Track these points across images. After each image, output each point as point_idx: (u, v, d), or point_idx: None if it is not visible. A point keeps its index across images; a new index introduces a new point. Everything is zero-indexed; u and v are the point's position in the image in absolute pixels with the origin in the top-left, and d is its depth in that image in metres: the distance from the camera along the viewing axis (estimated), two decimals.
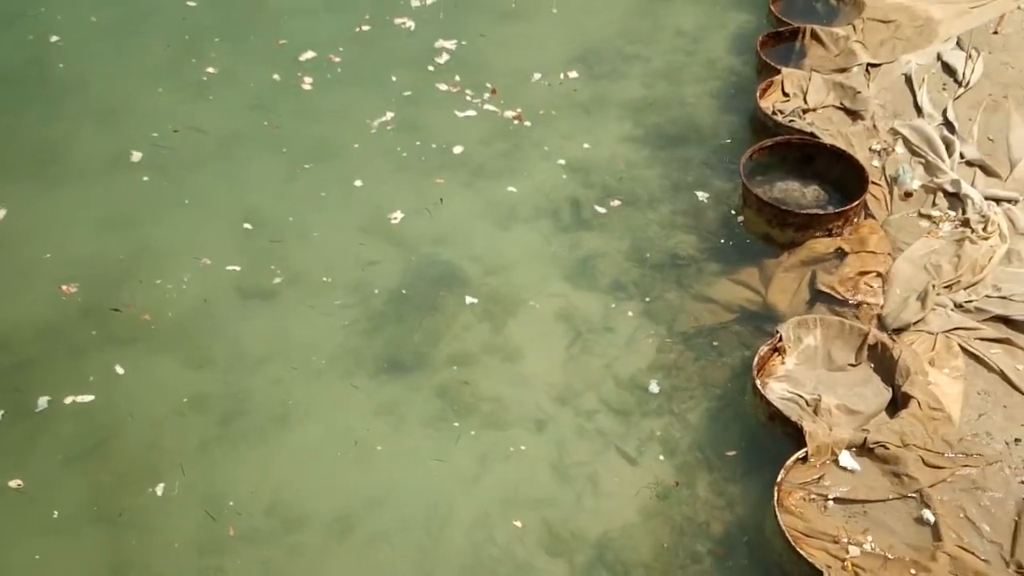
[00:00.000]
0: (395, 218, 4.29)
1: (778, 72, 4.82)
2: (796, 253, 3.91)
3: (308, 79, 5.10)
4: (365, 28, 5.52)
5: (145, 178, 4.47)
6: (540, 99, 5.07)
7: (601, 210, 4.35)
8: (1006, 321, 3.45)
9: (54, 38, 5.30)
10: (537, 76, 5.25)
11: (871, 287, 3.67)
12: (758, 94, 4.69)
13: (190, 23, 5.48)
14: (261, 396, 3.51)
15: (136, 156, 4.58)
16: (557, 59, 5.37)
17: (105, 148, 4.64)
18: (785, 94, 4.76)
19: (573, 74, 5.28)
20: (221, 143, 4.69)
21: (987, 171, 4.13)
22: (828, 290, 3.66)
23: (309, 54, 5.28)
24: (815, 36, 5.11)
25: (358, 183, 4.47)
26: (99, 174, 4.51)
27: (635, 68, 5.34)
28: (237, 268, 4.03)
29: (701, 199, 4.39)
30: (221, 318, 3.82)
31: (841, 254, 3.83)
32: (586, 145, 4.76)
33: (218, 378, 3.58)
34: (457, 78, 5.18)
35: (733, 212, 4.27)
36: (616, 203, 4.39)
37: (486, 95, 5.06)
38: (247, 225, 4.23)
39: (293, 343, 3.72)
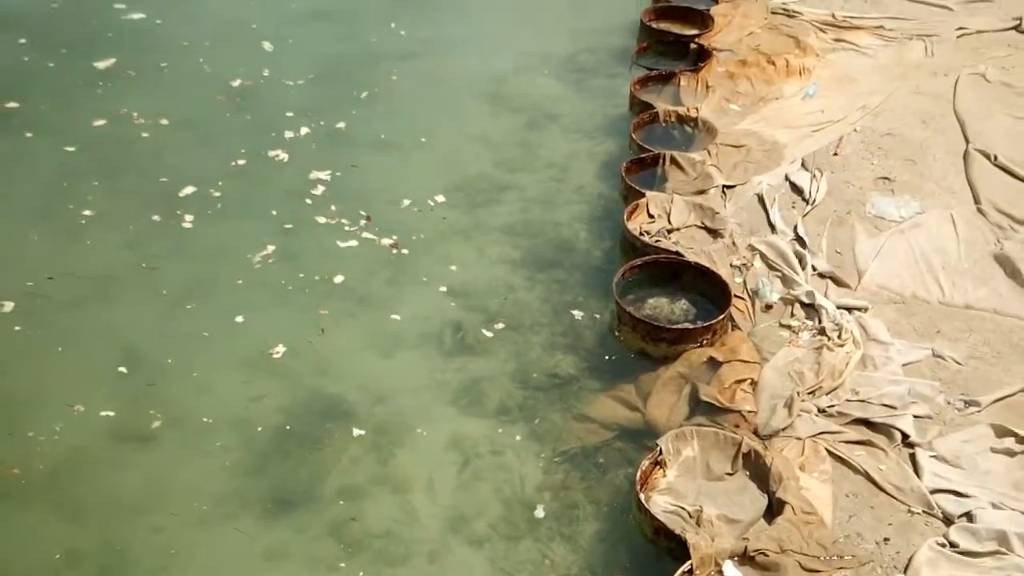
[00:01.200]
0: (277, 352, 4.25)
1: (642, 195, 5.07)
2: (672, 366, 4.07)
3: (188, 216, 5.08)
4: (241, 162, 5.56)
5: (16, 327, 4.31)
6: (417, 226, 5.18)
7: (484, 334, 4.43)
8: (866, 423, 3.64)
9: None
10: (410, 204, 5.36)
11: (747, 394, 3.84)
12: (626, 216, 4.92)
13: (67, 167, 5.41)
14: (140, 547, 3.36)
15: (8, 306, 4.42)
16: (432, 187, 5.51)
17: None
18: (651, 216, 5.00)
19: (449, 201, 5.42)
20: (98, 287, 4.59)
21: (837, 282, 4.43)
22: (711, 400, 3.79)
23: (188, 190, 5.28)
24: (674, 161, 5.42)
25: (240, 319, 4.43)
26: None
27: (510, 195, 5.53)
28: (112, 413, 3.90)
29: (579, 319, 4.53)
30: (96, 467, 3.67)
31: (715, 364, 4.00)
32: (466, 270, 4.87)
33: (94, 531, 3.42)
34: (333, 208, 5.25)
35: (610, 330, 4.42)
36: (498, 327, 4.48)
37: (362, 222, 5.14)
38: (123, 369, 4.12)
39: (173, 489, 3.59)
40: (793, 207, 4.97)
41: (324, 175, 5.51)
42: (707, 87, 6.26)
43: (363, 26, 7.28)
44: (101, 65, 6.32)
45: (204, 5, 7.25)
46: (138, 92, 6.13)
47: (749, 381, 3.87)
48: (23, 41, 6.53)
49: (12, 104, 5.89)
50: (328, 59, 6.75)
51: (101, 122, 5.80)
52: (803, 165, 5.31)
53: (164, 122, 5.86)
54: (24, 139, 5.63)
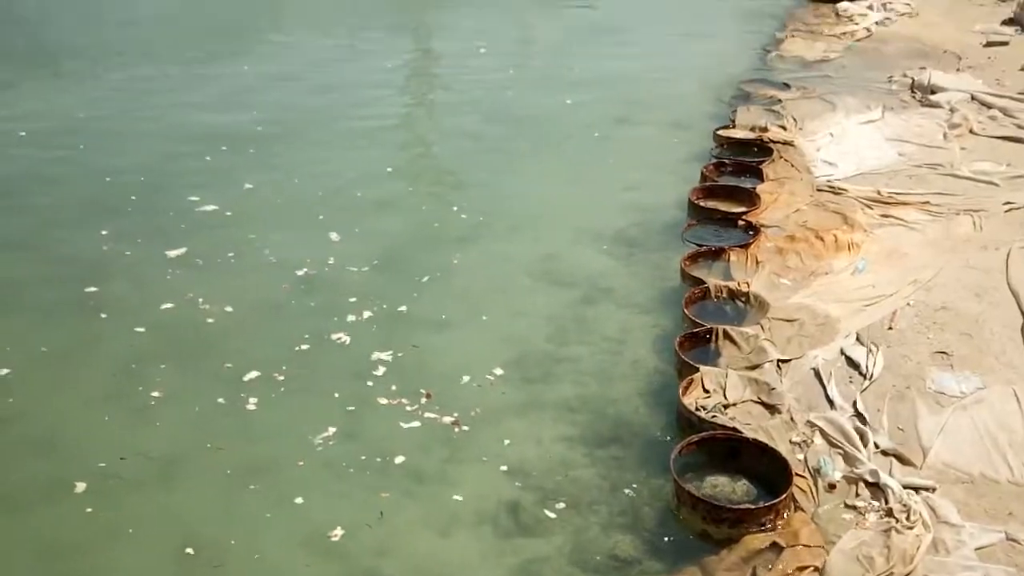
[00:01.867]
0: (336, 535, 4.26)
1: (697, 370, 5.12)
2: (734, 550, 3.98)
3: (252, 399, 5.22)
4: (304, 347, 5.74)
5: (88, 509, 4.41)
6: (476, 402, 5.24)
7: (542, 513, 4.40)
8: None
9: (3, 371, 5.40)
10: (469, 380, 5.44)
11: None
12: (681, 391, 4.95)
13: (137, 349, 5.64)
14: None
15: (80, 487, 4.54)
16: (490, 363, 5.60)
17: (44, 479, 4.60)
18: (706, 391, 5.03)
19: (507, 376, 5.50)
20: (165, 467, 4.69)
21: (902, 460, 4.35)
22: None
23: (253, 374, 5.44)
24: (727, 336, 5.48)
25: (299, 500, 4.47)
26: (35, 505, 4.44)
27: (566, 369, 5.60)
28: None
29: (638, 497, 4.48)
30: None
31: (777, 549, 3.91)
32: (523, 447, 4.88)
33: None
34: (394, 388, 5.35)
35: (669, 509, 4.36)
36: (557, 506, 4.45)
37: (423, 400, 5.23)
38: (189, 550, 4.15)
39: None
40: (850, 382, 4.96)
41: (386, 356, 5.65)
42: (757, 262, 6.39)
43: (427, 213, 7.64)
44: (173, 254, 6.69)
45: (274, 198, 7.68)
46: (206, 279, 6.44)
47: (812, 568, 3.76)
48: (104, 232, 6.97)
49: (91, 288, 6.22)
50: (392, 246, 7.06)
51: (170, 306, 6.08)
52: (858, 339, 5.33)
53: (229, 309, 6.11)
54: (100, 320, 5.92)
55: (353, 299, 6.25)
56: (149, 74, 10.45)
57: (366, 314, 6.09)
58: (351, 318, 6.04)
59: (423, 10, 14.30)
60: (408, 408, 5.18)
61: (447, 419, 5.09)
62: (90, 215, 7.20)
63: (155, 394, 5.24)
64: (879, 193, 7.14)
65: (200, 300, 6.15)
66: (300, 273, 6.56)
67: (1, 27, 12.02)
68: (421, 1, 14.97)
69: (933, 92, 9.17)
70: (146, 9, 12.90)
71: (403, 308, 6.20)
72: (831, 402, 4.82)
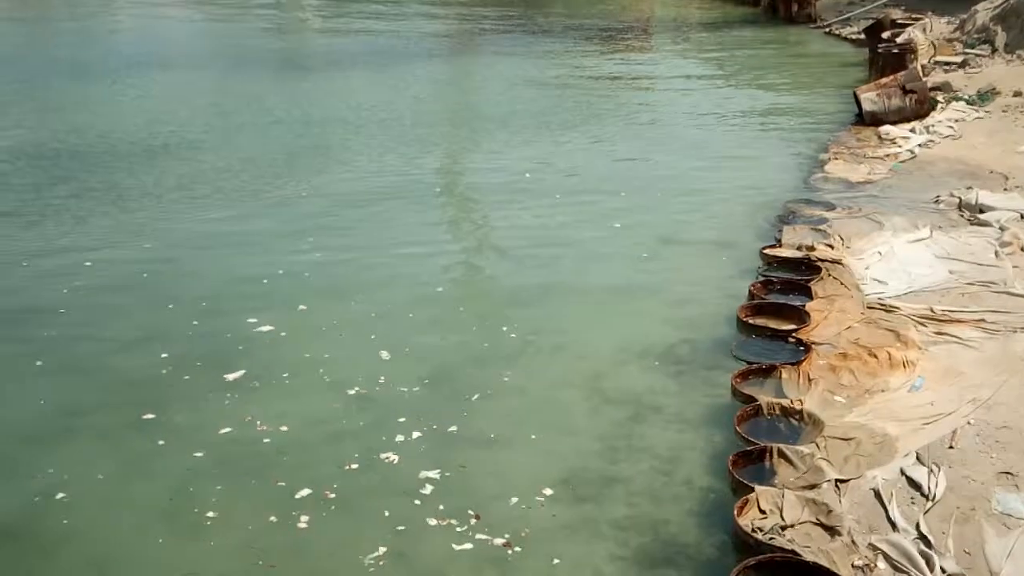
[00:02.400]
0: None
1: (752, 490, 5.02)
2: None
3: (304, 518, 5.22)
4: (355, 466, 5.77)
5: None
6: (526, 524, 5.18)
7: None
8: None
9: (60, 495, 5.49)
10: (518, 501, 5.41)
11: None
12: (736, 512, 4.85)
13: (194, 471, 5.71)
14: None
15: None
16: (540, 483, 5.57)
17: None
18: (762, 511, 4.91)
19: (557, 496, 5.45)
20: None
21: None
22: None
23: (304, 492, 5.47)
24: (782, 454, 5.39)
25: None
26: None
27: (617, 490, 5.54)
28: None
29: None
30: None
31: None
32: (576, 571, 4.79)
33: None
34: (442, 507, 5.33)
35: None
36: None
37: (472, 521, 5.18)
38: None
39: None
40: (912, 503, 4.82)
41: (434, 474, 5.65)
42: (809, 379, 6.33)
43: (476, 332, 7.73)
44: (231, 377, 6.82)
45: (328, 319, 7.82)
46: (262, 401, 6.54)
47: None
48: (164, 355, 7.13)
49: (149, 415, 6.34)
50: (442, 364, 7.13)
51: (227, 429, 6.17)
52: (918, 459, 5.20)
53: (284, 428, 6.18)
54: (157, 447, 6.01)
55: (402, 418, 6.29)
56: (212, 204, 10.90)
57: (415, 433, 6.12)
58: (400, 437, 6.07)
59: (470, 134, 14.81)
60: (458, 529, 5.14)
61: (498, 541, 5.04)
62: (151, 341, 7.39)
63: (210, 514, 5.28)
64: (932, 311, 7.07)
65: (257, 422, 6.23)
66: (352, 392, 6.64)
67: (76, 167, 12.67)
68: (467, 125, 15.51)
69: (981, 211, 9.17)
70: (210, 154, 13.54)
71: (452, 428, 6.21)
72: (893, 524, 4.68)
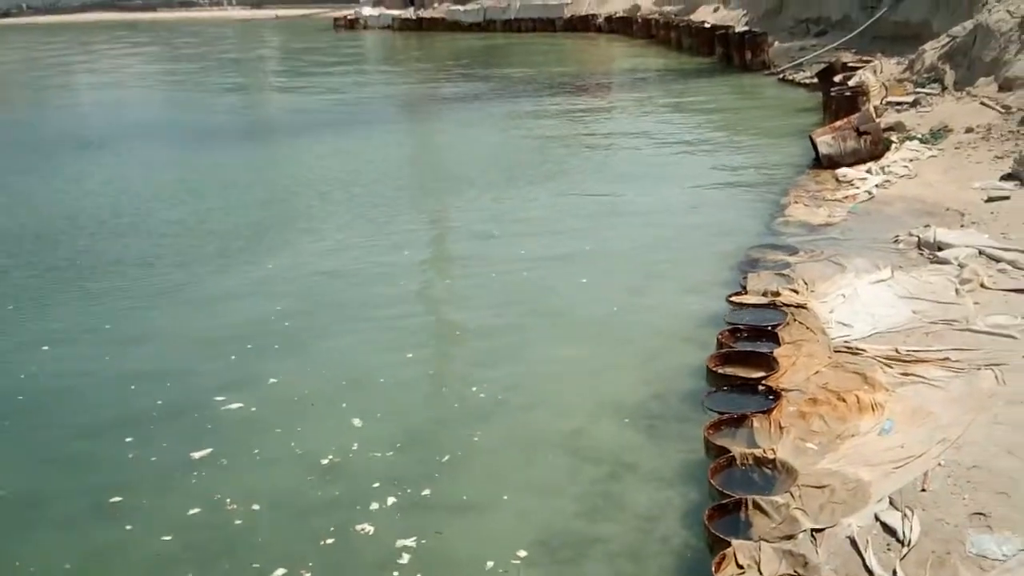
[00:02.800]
0: None
1: (728, 544, 4.98)
2: None
3: None
4: (330, 540, 5.68)
5: None
6: None
7: None
8: None
9: None
10: (494, 565, 5.35)
11: None
12: (714, 568, 4.80)
13: (163, 557, 5.60)
14: None
15: None
16: (515, 546, 5.52)
17: None
18: (739, 566, 4.87)
19: (532, 559, 5.39)
20: None
21: None
22: None
23: (279, 572, 5.38)
24: (757, 506, 5.36)
25: None
26: None
27: (596, 550, 5.51)
28: None
29: None
30: None
31: None
32: None
33: None
34: None
35: None
36: None
37: None
38: None
39: None
40: (888, 549, 4.80)
41: (410, 543, 5.58)
42: (780, 428, 6.33)
43: (446, 394, 7.72)
44: (198, 455, 6.71)
45: (299, 390, 7.76)
46: (232, 479, 6.44)
47: None
48: (129, 439, 7.01)
49: (116, 498, 6.22)
50: (413, 428, 7.09)
51: (196, 511, 6.05)
52: (891, 503, 5.20)
53: (256, 507, 6.08)
54: (124, 531, 5.89)
55: (376, 484, 6.22)
56: (179, 280, 10.82)
57: (390, 500, 6.05)
58: (375, 505, 6.00)
59: (437, 196, 14.90)
60: None
61: None
62: (115, 424, 7.27)
63: None
64: (897, 351, 7.13)
65: (227, 501, 6.14)
66: (325, 462, 6.57)
67: (38, 244, 12.56)
68: (434, 188, 15.60)
69: (940, 248, 9.31)
70: (167, 217, 13.52)
71: (427, 492, 6.16)
72: (870, 572, 4.66)
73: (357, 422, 7.14)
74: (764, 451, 6.00)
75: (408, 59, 37.25)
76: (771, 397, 6.75)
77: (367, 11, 58.09)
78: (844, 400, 6.51)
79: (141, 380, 7.99)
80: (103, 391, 7.93)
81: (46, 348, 8.86)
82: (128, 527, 5.93)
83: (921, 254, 9.46)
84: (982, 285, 8.30)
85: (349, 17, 58.39)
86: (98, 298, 10.20)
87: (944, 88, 16.96)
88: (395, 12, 56.36)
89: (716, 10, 33.33)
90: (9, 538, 5.88)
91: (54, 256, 11.87)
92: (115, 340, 9.01)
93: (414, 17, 53.57)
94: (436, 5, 54.68)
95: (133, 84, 35.92)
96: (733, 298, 8.78)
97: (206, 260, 11.49)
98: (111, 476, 6.53)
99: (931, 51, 18.42)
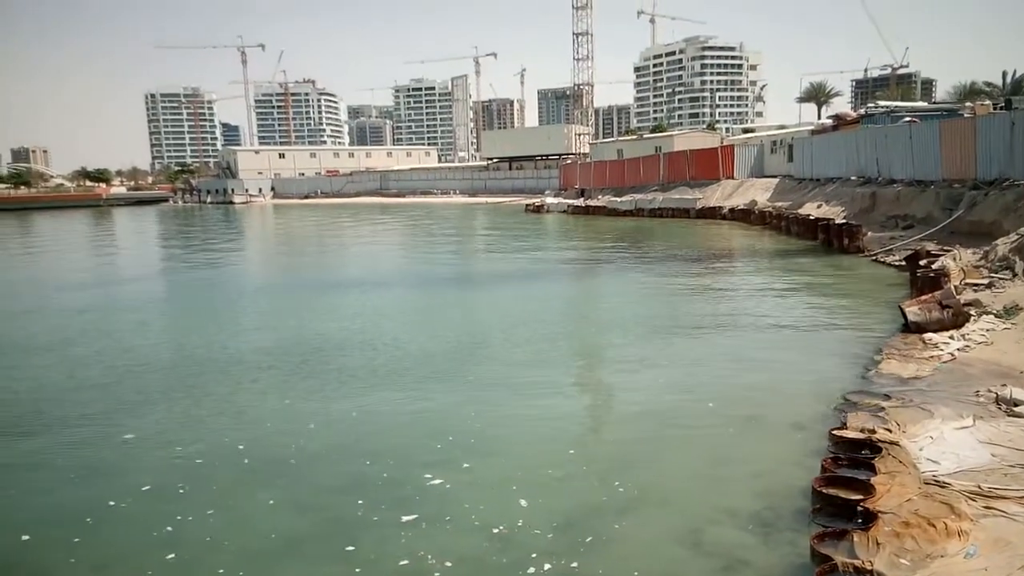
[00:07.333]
0: None
1: None
2: None
3: None
4: None
5: None
6: None
7: None
8: None
9: None
10: None
11: None
12: None
13: None
14: None
15: None
16: None
17: None
18: None
19: None
20: None
21: None
22: None
23: None
24: None
25: None
26: None
27: None
28: None
29: None
30: None
31: None
32: None
33: None
34: None
35: None
36: None
37: None
38: None
39: None
40: None
41: None
42: (877, 544, 5.86)
43: (597, 488, 7.54)
44: (406, 518, 6.87)
45: (490, 474, 7.85)
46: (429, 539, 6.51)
47: None
48: (360, 501, 7.29)
49: (350, 548, 6.45)
50: (569, 514, 6.95)
51: (405, 562, 6.21)
52: None
53: (448, 563, 6.15)
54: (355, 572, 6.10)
55: (534, 555, 6.13)
56: (397, 381, 11.23)
57: (546, 566, 5.98)
58: (531, 569, 5.93)
59: (594, 337, 14.85)
60: None
61: None
62: (350, 488, 7.61)
63: None
64: (980, 487, 6.51)
65: (429, 557, 6.24)
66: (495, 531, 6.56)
67: (316, 355, 13.16)
68: (591, 329, 15.61)
69: (1016, 404, 8.53)
70: (398, 337, 14.10)
71: (574, 564, 6.05)
72: None
73: (523, 502, 7.13)
74: (863, 562, 5.56)
75: (577, 235, 38.33)
76: (868, 517, 6.27)
77: (550, 200, 61.33)
78: (934, 525, 5.97)
79: (371, 456, 8.35)
80: (347, 461, 8.33)
81: (312, 426, 9.45)
82: (357, 570, 6.15)
83: (999, 407, 8.67)
84: None
85: (536, 204, 61.42)
86: (353, 389, 10.84)
87: (1015, 275, 15.80)
88: (570, 200, 59.06)
89: (819, 207, 32.61)
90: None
91: (326, 365, 12.70)
92: (355, 423, 9.50)
93: (583, 205, 55.66)
94: (599, 197, 56.68)
95: (381, 239, 38.79)
96: (835, 431, 8.30)
97: (423, 374, 11.97)
98: (343, 527, 6.79)
99: (1003, 245, 17.31)
